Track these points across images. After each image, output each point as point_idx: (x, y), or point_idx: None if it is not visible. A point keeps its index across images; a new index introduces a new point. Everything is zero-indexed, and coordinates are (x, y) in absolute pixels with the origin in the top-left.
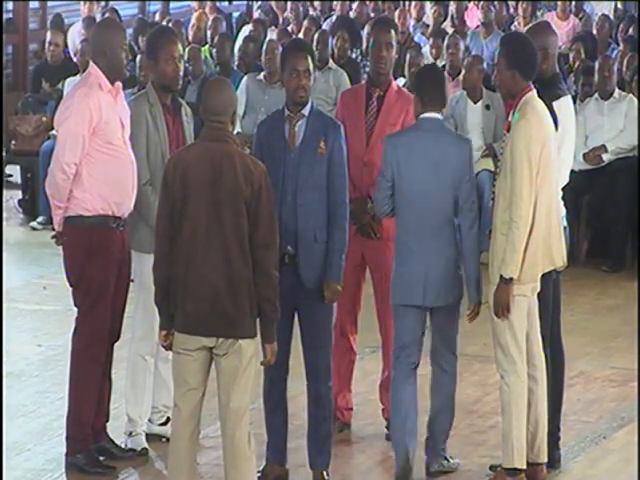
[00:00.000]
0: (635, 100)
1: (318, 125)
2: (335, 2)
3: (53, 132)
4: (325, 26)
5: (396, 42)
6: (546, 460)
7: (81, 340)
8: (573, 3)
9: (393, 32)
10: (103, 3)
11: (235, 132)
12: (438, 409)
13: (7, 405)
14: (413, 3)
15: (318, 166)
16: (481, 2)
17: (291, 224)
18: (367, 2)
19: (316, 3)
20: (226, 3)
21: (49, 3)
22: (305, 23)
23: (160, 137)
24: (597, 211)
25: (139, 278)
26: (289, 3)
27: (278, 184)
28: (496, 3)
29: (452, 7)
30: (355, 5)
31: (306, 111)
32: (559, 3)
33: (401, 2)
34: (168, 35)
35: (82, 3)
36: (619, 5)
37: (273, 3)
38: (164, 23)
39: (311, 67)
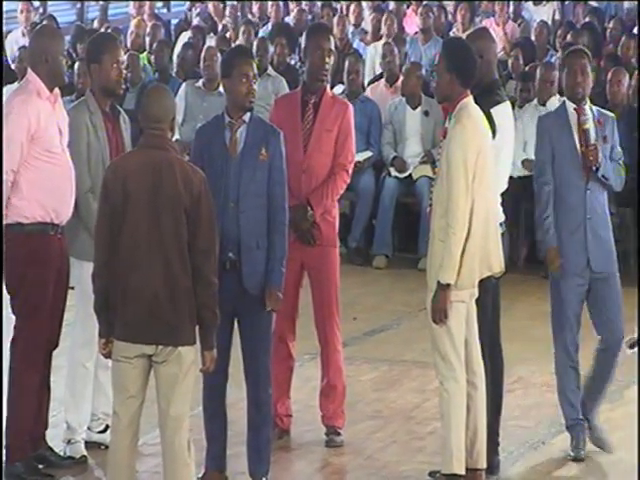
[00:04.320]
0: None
1: (259, 132)
2: (270, 9)
3: None
4: (261, 33)
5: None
6: (485, 466)
7: (20, 348)
8: (511, 9)
9: (332, 38)
10: (41, 10)
11: (174, 139)
12: None
13: None
14: (351, 9)
15: (260, 173)
16: (419, 8)
17: (233, 231)
18: (305, 9)
19: (254, 10)
20: (165, 10)
21: None
22: (242, 28)
23: (100, 144)
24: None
25: (79, 285)
26: (227, 10)
27: (220, 191)
28: (435, 9)
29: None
30: (294, 12)
31: (247, 118)
32: (497, 9)
33: (338, 8)
34: (112, 40)
35: (19, 10)
36: (557, 12)
37: (212, 10)
38: (102, 30)
39: (255, 73)
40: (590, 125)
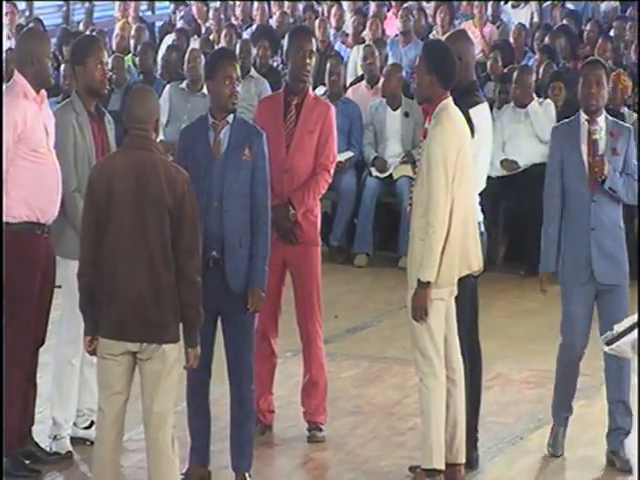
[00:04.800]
0: (552, 104)
1: (242, 132)
2: (255, 12)
3: None
4: (245, 35)
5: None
6: (464, 461)
7: (6, 346)
8: (489, 12)
9: (314, 40)
10: (27, 13)
11: (158, 140)
12: None
13: None
14: (333, 12)
15: (243, 172)
16: (400, 11)
17: (216, 230)
18: (287, 11)
19: (237, 12)
20: (149, 13)
21: None
22: (225, 30)
23: (87, 144)
24: (514, 216)
25: (65, 284)
26: (211, 13)
27: (203, 191)
28: (414, 12)
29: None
30: (276, 15)
31: (230, 118)
32: (476, 12)
33: (320, 11)
34: (96, 41)
35: (4, 13)
36: (535, 15)
37: (195, 13)
38: (88, 32)
39: (239, 75)
40: (600, 136)
